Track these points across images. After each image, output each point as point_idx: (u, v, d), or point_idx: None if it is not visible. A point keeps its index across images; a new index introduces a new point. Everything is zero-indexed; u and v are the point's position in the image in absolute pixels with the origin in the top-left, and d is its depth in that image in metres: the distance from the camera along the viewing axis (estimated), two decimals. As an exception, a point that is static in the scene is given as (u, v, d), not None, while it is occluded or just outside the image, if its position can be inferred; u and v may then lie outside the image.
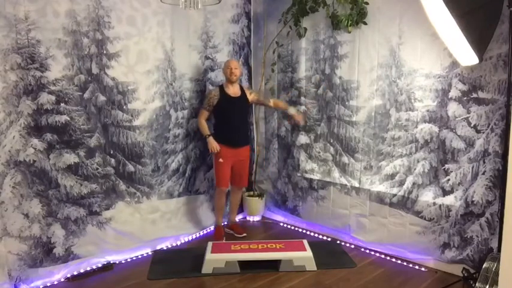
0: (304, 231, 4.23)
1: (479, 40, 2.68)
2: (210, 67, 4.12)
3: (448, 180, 3.21)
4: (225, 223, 4.28)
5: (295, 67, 4.18)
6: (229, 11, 4.23)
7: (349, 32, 3.67)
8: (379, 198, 3.65)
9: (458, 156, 3.15)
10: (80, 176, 3.23)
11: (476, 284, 2.69)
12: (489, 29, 2.75)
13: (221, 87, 3.88)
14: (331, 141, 3.98)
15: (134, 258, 3.58)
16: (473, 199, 3.04)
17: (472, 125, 3.05)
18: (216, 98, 3.80)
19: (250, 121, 4.40)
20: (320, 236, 4.09)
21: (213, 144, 3.76)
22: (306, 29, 4.03)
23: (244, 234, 4.06)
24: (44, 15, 2.94)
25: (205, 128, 3.82)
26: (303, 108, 4.15)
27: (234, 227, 4.17)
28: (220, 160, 3.82)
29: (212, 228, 4.24)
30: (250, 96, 3.99)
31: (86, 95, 3.23)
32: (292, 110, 4.00)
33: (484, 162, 2.99)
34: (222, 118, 3.87)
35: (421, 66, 3.28)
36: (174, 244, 3.90)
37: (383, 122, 3.58)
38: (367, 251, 3.70)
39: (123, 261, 3.50)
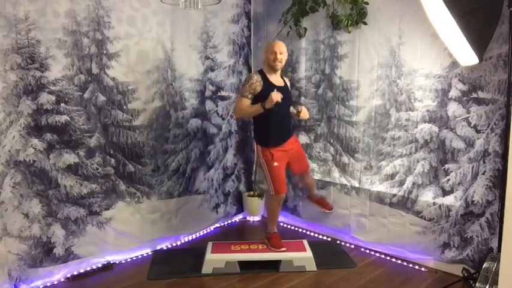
0: (304, 231, 4.23)
1: (479, 40, 2.68)
2: (210, 67, 4.12)
3: (448, 180, 3.21)
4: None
5: (295, 67, 4.18)
6: (229, 11, 4.23)
7: (349, 32, 3.67)
8: (379, 198, 3.65)
9: (458, 156, 3.15)
10: (80, 176, 3.23)
11: (476, 284, 2.69)
12: (489, 29, 2.75)
13: (262, 74, 3.25)
14: (331, 141, 3.98)
15: (134, 258, 3.58)
16: (473, 199, 3.04)
17: (472, 125, 3.05)
18: (259, 84, 3.16)
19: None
20: (320, 236, 4.09)
21: (274, 96, 3.04)
22: (306, 29, 4.03)
23: (332, 209, 3.72)
24: (44, 15, 2.94)
25: (252, 107, 3.16)
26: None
27: (321, 201, 3.75)
28: (276, 164, 3.25)
29: (212, 228, 4.24)
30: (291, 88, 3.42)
31: (86, 95, 3.23)
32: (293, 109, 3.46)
33: (484, 162, 2.99)
34: (266, 113, 3.14)
35: (421, 66, 3.28)
36: (174, 244, 3.90)
37: (383, 122, 3.58)
38: (367, 251, 3.70)
39: (123, 261, 3.50)
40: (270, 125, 3.25)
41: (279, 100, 3.04)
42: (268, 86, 3.17)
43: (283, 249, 3.39)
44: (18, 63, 2.86)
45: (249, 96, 3.18)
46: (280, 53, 3.20)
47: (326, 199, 3.87)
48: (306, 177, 3.69)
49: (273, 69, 3.25)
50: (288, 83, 3.47)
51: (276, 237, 3.48)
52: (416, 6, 2.78)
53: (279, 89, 3.17)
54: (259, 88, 3.16)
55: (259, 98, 3.15)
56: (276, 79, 3.27)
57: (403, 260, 3.48)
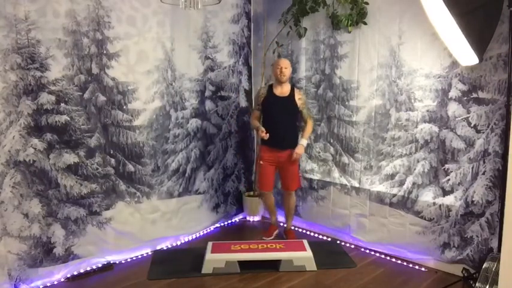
0: (304, 231, 4.23)
1: (479, 40, 2.68)
2: (210, 67, 4.12)
3: (448, 180, 3.21)
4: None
5: (295, 67, 4.18)
6: (229, 11, 4.23)
7: (349, 32, 3.67)
8: (379, 198, 3.65)
9: (458, 156, 3.15)
10: (80, 176, 3.23)
11: (476, 284, 2.69)
12: (489, 29, 2.75)
13: (270, 86, 3.80)
14: (331, 141, 3.98)
15: (134, 258, 3.58)
16: (473, 199, 3.04)
17: (472, 125, 3.05)
18: (263, 96, 3.75)
19: (298, 124, 3.87)
20: (320, 236, 4.09)
21: (259, 129, 3.62)
22: (306, 29, 4.03)
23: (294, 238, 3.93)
24: (44, 15, 2.94)
25: (255, 121, 3.80)
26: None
27: (288, 234, 4.01)
28: (261, 162, 3.77)
29: (212, 228, 4.25)
30: (299, 102, 3.70)
31: (86, 95, 3.23)
32: (303, 142, 3.70)
33: (484, 162, 2.99)
34: (266, 117, 3.76)
35: (421, 66, 3.28)
36: (174, 244, 3.90)
37: (383, 122, 3.58)
38: (367, 251, 3.70)
39: (123, 261, 3.50)
40: (268, 125, 3.69)
41: (262, 135, 3.61)
42: (270, 96, 3.73)
43: (266, 238, 3.92)
44: (18, 63, 2.86)
45: (257, 107, 3.83)
46: (285, 68, 3.67)
47: (294, 233, 4.08)
48: (288, 199, 3.94)
49: (279, 82, 3.71)
50: (297, 96, 3.73)
51: (270, 227, 4.07)
52: (416, 6, 2.78)
53: (279, 98, 3.70)
54: (262, 99, 3.76)
55: (264, 105, 3.75)
56: (280, 90, 3.73)
57: (403, 260, 3.48)
